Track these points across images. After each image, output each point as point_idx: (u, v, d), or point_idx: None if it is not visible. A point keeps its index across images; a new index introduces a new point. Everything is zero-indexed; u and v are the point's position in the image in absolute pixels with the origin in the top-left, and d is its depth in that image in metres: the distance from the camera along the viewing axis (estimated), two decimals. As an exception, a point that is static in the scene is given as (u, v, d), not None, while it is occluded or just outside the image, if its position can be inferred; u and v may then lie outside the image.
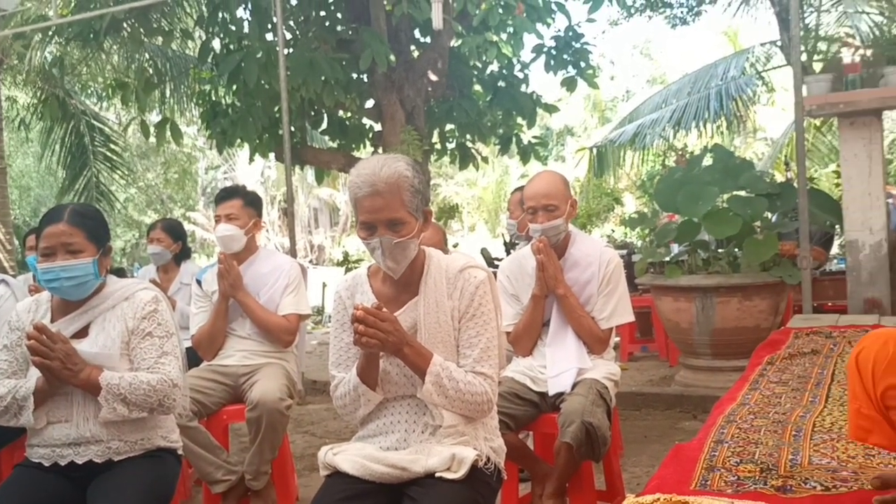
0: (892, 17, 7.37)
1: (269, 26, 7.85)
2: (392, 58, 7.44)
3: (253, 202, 3.73)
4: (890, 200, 6.33)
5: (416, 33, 8.76)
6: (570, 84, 8.64)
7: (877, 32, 7.59)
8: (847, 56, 5.46)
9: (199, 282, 3.76)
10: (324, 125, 9.06)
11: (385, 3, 7.90)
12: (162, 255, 4.71)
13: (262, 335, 3.62)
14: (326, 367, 2.30)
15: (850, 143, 5.20)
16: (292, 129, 8.07)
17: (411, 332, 2.14)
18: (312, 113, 8.78)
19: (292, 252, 6.42)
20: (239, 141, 8.36)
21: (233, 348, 3.63)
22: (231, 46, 7.93)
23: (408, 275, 2.18)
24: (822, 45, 6.95)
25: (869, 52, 5.44)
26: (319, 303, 10.64)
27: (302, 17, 8.22)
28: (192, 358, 3.71)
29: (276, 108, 7.88)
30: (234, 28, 8.04)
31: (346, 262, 10.03)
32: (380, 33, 7.63)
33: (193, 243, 25.33)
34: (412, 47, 8.61)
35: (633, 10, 8.44)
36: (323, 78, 7.28)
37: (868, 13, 8.37)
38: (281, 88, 6.41)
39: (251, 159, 9.20)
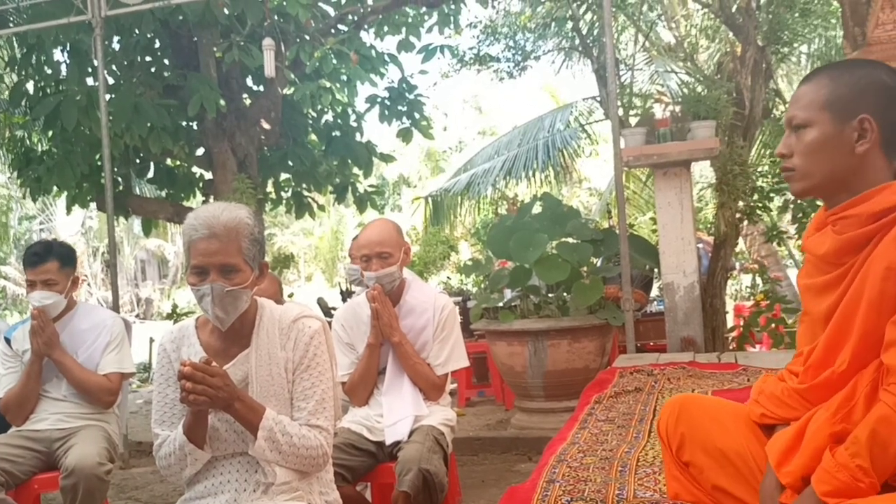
0: (696, 77, 8.02)
1: (90, 70, 7.50)
2: (222, 103, 7.28)
3: (69, 259, 3.46)
4: (700, 245, 6.82)
5: (249, 81, 8.65)
6: (405, 135, 8.80)
7: (685, 90, 8.23)
8: (658, 111, 5.86)
9: (7, 340, 3.47)
10: (150, 173, 8.72)
11: (215, 49, 7.75)
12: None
13: (80, 396, 3.38)
14: (151, 427, 2.17)
15: (664, 191, 5.56)
16: (115, 176, 7.70)
17: (242, 385, 2.05)
18: (138, 160, 8.42)
19: (115, 306, 6.07)
20: (56, 189, 7.88)
21: (46, 411, 3.37)
22: (47, 90, 7.50)
23: (238, 326, 2.10)
24: (637, 101, 7.44)
25: (678, 108, 5.87)
26: (146, 359, 10.12)
27: (126, 62, 7.91)
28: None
29: (97, 155, 7.50)
30: (50, 71, 7.62)
31: (175, 316, 9.58)
32: (209, 79, 7.46)
33: (5, 299, 23.47)
34: (244, 95, 8.49)
35: (465, 62, 8.73)
36: (149, 124, 7.01)
37: (677, 72, 9.08)
38: (102, 134, 6.10)
39: (69, 209, 8.68)
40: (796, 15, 6.56)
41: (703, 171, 12.24)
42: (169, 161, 8.66)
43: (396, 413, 3.03)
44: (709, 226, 8.33)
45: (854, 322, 1.53)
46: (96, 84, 6.71)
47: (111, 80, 7.73)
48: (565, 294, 5.67)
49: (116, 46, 7.89)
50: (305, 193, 9.25)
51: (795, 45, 7.65)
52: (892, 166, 1.59)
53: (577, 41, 7.39)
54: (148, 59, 8.09)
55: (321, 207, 10.07)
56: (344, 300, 6.50)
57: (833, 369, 1.56)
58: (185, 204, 8.74)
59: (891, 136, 1.57)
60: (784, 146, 1.64)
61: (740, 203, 5.98)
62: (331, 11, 8.13)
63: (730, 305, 8.03)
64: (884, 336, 1.47)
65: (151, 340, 9.85)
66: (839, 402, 1.51)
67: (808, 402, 1.61)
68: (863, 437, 1.40)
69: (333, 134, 9.00)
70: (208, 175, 8.51)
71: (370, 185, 9.76)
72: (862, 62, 1.67)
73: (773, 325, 5.96)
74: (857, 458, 1.39)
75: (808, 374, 1.63)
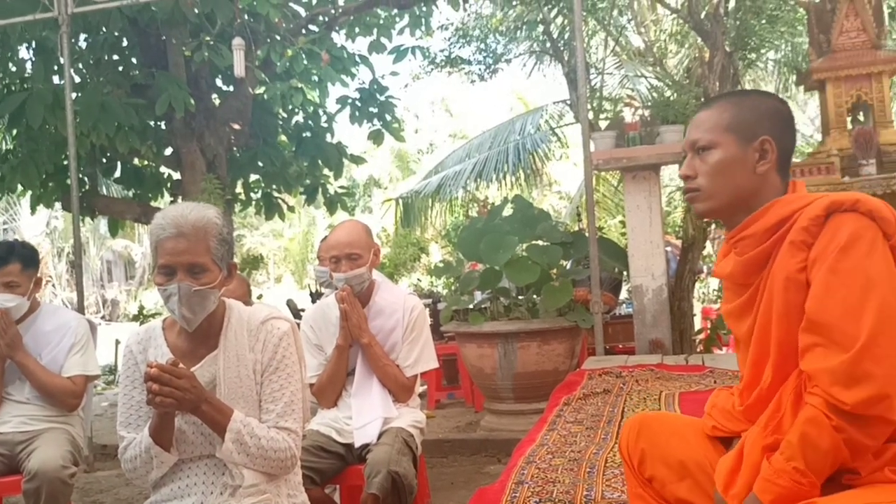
0: (665, 81, 8.11)
1: (56, 67, 7.40)
2: (192, 102, 7.21)
3: (31, 260, 3.40)
4: (669, 248, 6.88)
5: (218, 81, 8.58)
6: (376, 137, 8.77)
7: (654, 95, 8.31)
8: (628, 115, 5.91)
9: (-32, 342, 3.39)
10: (117, 173, 8.61)
11: (184, 49, 7.68)
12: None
13: (44, 399, 3.32)
14: (117, 430, 2.14)
15: (633, 195, 5.61)
16: (81, 176, 7.60)
17: (210, 387, 2.03)
18: (105, 160, 8.31)
19: (80, 308, 5.99)
20: (20, 188, 7.75)
21: (9, 414, 3.30)
22: (12, 87, 7.38)
23: (206, 327, 2.08)
24: (607, 105, 7.50)
25: (647, 112, 5.93)
26: (111, 361, 9.99)
27: (93, 60, 7.81)
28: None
29: (62, 154, 7.39)
30: (15, 69, 7.50)
31: (142, 317, 9.47)
32: (178, 78, 7.39)
33: (-34, 301, 23.01)
34: (213, 95, 8.42)
35: (436, 64, 8.73)
36: (116, 123, 6.92)
37: (646, 77, 9.17)
38: (68, 132, 6.01)
39: (33, 209, 8.55)
40: (763, 21, 6.66)
41: (671, 175, 12.36)
42: (136, 161, 8.56)
43: (365, 415, 3.01)
44: (677, 229, 8.42)
45: (770, 338, 1.59)
46: (62, 82, 6.62)
47: (78, 79, 7.63)
48: (535, 296, 5.69)
49: (83, 44, 7.79)
50: (275, 194, 9.19)
51: (762, 50, 7.77)
52: (784, 186, 1.67)
53: (547, 45, 7.42)
54: (115, 57, 7.98)
55: (291, 209, 10.02)
56: (313, 302, 6.46)
57: (760, 387, 1.62)
58: (153, 204, 8.65)
59: (785, 158, 1.67)
60: (688, 168, 1.71)
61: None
62: (302, 12, 8.10)
63: (697, 308, 8.11)
64: (798, 346, 1.52)
65: (117, 342, 9.73)
66: (768, 416, 1.56)
67: (750, 421, 1.66)
68: (794, 440, 1.44)
69: (304, 135, 8.95)
70: (176, 175, 8.42)
71: (340, 187, 9.73)
72: (756, 91, 1.86)
73: (739, 328, 6.02)
74: (792, 461, 1.43)
75: (743, 396, 1.70)
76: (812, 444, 1.42)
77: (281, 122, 9.00)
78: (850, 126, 5.73)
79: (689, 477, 1.72)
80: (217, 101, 8.39)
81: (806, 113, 14.25)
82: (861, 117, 5.82)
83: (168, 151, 8.33)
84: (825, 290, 1.48)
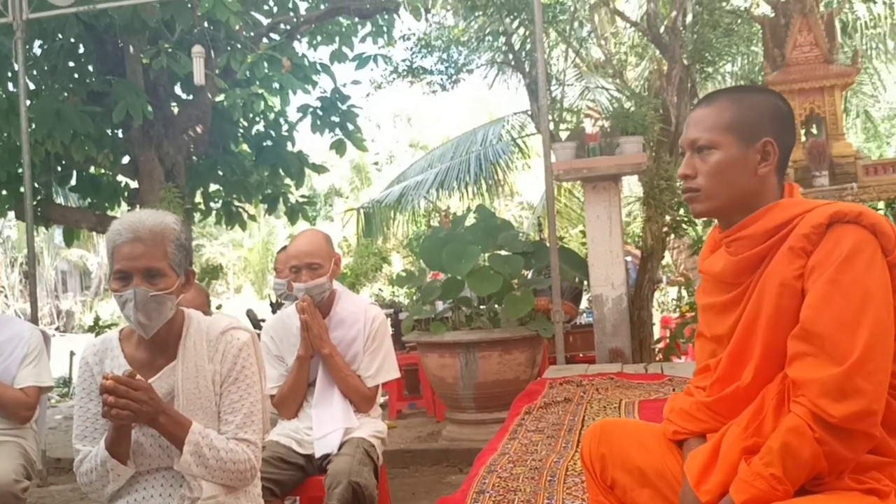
0: (624, 93, 8.20)
1: (10, 74, 7.26)
2: (150, 110, 7.12)
3: None
4: (628, 258, 6.96)
5: (178, 89, 8.49)
6: (339, 147, 8.75)
7: (615, 106, 8.40)
8: (589, 126, 5.97)
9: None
10: (73, 182, 8.47)
11: (142, 56, 7.59)
12: None
13: (-5, 411, 3.24)
14: (72, 443, 2.10)
15: (593, 205, 5.66)
16: (36, 184, 7.46)
17: (168, 399, 2.01)
18: (60, 168, 8.17)
19: (34, 319, 5.87)
20: (-28, 197, 7.59)
21: (-41, 427, 3.22)
22: (-36, 93, 7.23)
23: (164, 338, 2.05)
24: (567, 116, 7.56)
25: (607, 124, 5.99)
26: (66, 373, 9.79)
27: (48, 67, 7.68)
28: None
29: (16, 162, 7.24)
30: (-34, 75, 7.35)
31: (97, 328, 9.29)
32: (136, 86, 7.30)
33: (-84, 312, 22.45)
34: (172, 103, 8.32)
35: (399, 72, 8.73)
36: (72, 131, 6.81)
37: (607, 88, 9.27)
38: (22, 140, 5.89)
39: (-14, 218, 8.37)
40: (720, 35, 6.77)
41: (631, 186, 12.51)
42: (93, 169, 8.43)
43: (326, 425, 2.99)
44: (637, 239, 8.51)
45: (755, 338, 1.59)
46: (16, 89, 6.49)
47: (32, 86, 7.50)
48: (497, 306, 5.70)
49: (39, 51, 7.66)
50: (236, 204, 9.10)
51: (719, 64, 7.90)
52: (781, 187, 1.67)
53: (509, 56, 7.47)
54: (72, 64, 7.87)
55: (252, 217, 9.93)
56: (274, 312, 6.40)
57: (738, 384, 1.62)
58: (110, 213, 8.51)
59: (785, 158, 1.66)
60: (688, 167, 1.68)
61: (667, 217, 6.13)
62: (263, 20, 8.05)
63: (657, 317, 8.21)
64: (785, 350, 1.53)
65: (72, 354, 9.54)
66: (749, 417, 1.56)
67: (716, 413, 1.66)
68: (775, 447, 1.45)
69: (264, 143, 8.89)
70: (134, 184, 8.31)
71: (302, 196, 9.67)
72: (758, 88, 1.76)
73: (698, 337, 6.10)
74: (770, 468, 1.44)
75: (714, 388, 1.69)
76: (792, 454, 1.43)
77: (241, 131, 8.93)
78: (804, 138, 5.85)
79: (649, 484, 1.73)
80: (176, 109, 8.30)
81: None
82: (814, 130, 5.95)
83: (125, 160, 8.22)
84: (823, 301, 1.47)
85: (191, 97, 8.30)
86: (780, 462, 1.43)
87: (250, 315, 7.28)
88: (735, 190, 1.64)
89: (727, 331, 1.67)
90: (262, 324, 6.18)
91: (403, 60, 8.82)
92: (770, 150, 1.63)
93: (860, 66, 6.07)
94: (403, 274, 7.44)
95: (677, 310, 7.55)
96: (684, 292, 7.86)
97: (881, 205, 6.09)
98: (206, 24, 7.03)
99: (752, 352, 1.59)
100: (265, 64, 7.30)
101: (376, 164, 24.14)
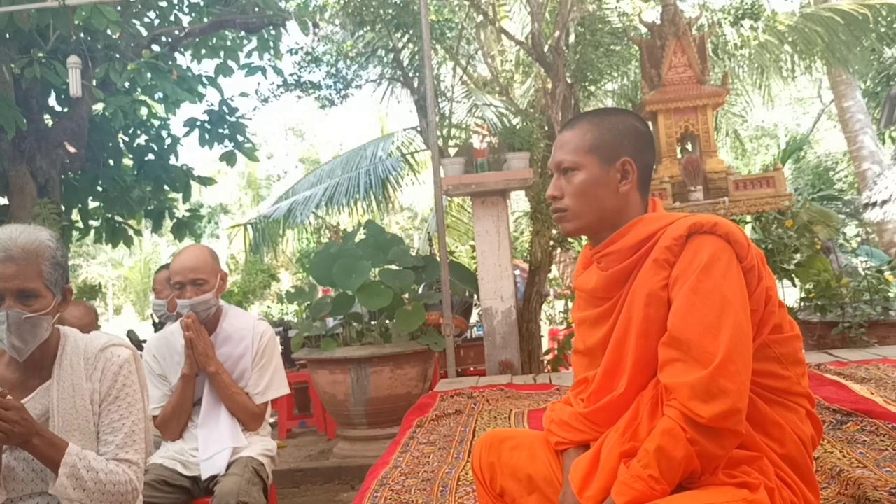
0: (511, 109, 8.37)
1: None
2: (24, 121, 6.77)
3: None
4: (517, 272, 7.09)
5: (52, 101, 8.11)
6: (229, 158, 8.55)
7: (503, 122, 8.56)
8: (477, 142, 6.07)
9: None
10: (-64, 197, 7.95)
11: (13, 66, 7.22)
12: None
13: None
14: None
15: (482, 220, 5.74)
16: None
17: (42, 420, 1.91)
18: (-79, 183, 7.67)
19: None
20: None
21: None
22: None
23: (38, 357, 1.95)
24: (456, 132, 7.65)
25: (495, 140, 6.10)
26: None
27: None
28: None
29: None
30: None
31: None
32: (7, 97, 6.93)
33: None
34: (46, 115, 7.95)
35: (287, 85, 8.62)
36: (-66, 143, 6.41)
37: (494, 105, 9.44)
38: None
39: None
40: (601, 55, 7.02)
41: (518, 202, 12.74)
42: (-43, 184, 7.94)
43: (213, 446, 2.90)
44: (525, 253, 8.68)
45: (627, 349, 1.66)
46: None
47: None
48: (388, 321, 5.69)
49: None
50: (119, 220, 8.75)
51: (601, 82, 8.18)
52: (645, 203, 1.76)
53: (398, 72, 7.51)
54: (-66, 72, 7.40)
55: (138, 233, 9.58)
56: (156, 332, 6.18)
57: (613, 394, 1.69)
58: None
59: (646, 176, 1.75)
60: (555, 188, 1.76)
61: (553, 231, 6.28)
62: (143, 31, 7.80)
63: (545, 329, 8.38)
64: (656, 358, 1.61)
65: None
66: (625, 424, 1.64)
67: (595, 424, 1.73)
68: (651, 449, 1.52)
69: (146, 157, 8.60)
70: (3, 200, 7.87)
71: (188, 210, 9.39)
72: (617, 110, 1.84)
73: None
74: (648, 469, 1.51)
75: (591, 399, 1.76)
76: (667, 455, 1.50)
77: (123, 144, 8.61)
78: (679, 155, 6.13)
79: (536, 490, 1.77)
80: (50, 122, 7.92)
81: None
82: (689, 147, 6.25)
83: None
84: (686, 309, 1.55)
85: (66, 109, 7.94)
86: (657, 463, 1.50)
87: (131, 336, 7.01)
88: (600, 208, 1.72)
89: (600, 342, 1.74)
90: (143, 346, 5.96)
91: (291, 74, 8.73)
92: (629, 168, 1.71)
93: (730, 87, 6.41)
94: (293, 290, 7.34)
95: (564, 322, 7.73)
96: (571, 305, 8.05)
97: (749, 218, 6.43)
98: (82, 35, 6.75)
99: (625, 362, 1.66)
100: (148, 74, 7.08)
101: (269, 178, 23.76)
